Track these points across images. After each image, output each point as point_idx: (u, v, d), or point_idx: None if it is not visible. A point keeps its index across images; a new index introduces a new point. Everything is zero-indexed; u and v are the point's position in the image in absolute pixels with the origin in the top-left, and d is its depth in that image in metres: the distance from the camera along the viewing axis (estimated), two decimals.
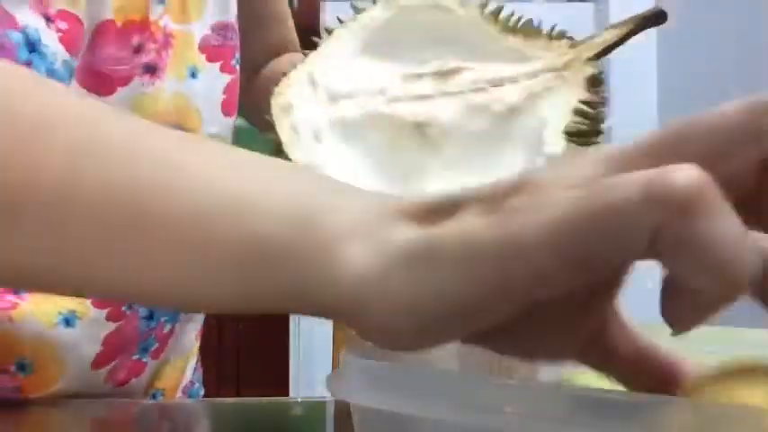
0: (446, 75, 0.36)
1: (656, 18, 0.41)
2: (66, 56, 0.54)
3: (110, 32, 0.57)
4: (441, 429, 0.23)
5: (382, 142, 0.34)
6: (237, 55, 0.67)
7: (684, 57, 2.20)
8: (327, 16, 2.61)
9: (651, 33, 2.36)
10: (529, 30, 0.40)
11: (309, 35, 2.50)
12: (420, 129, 0.34)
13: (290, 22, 0.84)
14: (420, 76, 0.37)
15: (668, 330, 0.34)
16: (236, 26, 0.67)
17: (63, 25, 0.54)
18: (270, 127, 0.42)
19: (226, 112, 0.65)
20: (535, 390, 0.22)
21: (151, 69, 0.59)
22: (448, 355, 0.33)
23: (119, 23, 0.57)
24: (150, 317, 0.61)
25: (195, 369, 0.76)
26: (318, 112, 0.36)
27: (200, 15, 0.63)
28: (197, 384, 0.76)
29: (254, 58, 0.77)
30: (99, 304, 0.57)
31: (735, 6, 1.92)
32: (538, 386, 0.23)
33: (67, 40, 0.54)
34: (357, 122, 0.35)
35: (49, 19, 0.53)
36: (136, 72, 0.58)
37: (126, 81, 0.58)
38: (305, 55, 0.49)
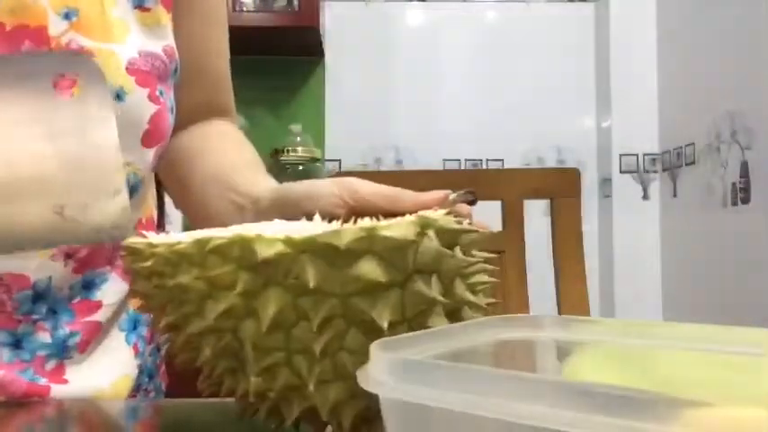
0: None
1: None
2: None
3: None
4: (468, 422, 0.23)
5: None
6: (161, 88, 0.63)
7: (684, 57, 2.20)
8: (327, 16, 2.61)
9: (651, 33, 2.33)
10: None
11: (309, 35, 2.45)
12: None
13: (228, 86, 0.78)
14: None
15: (667, 329, 0.34)
16: (166, 59, 0.64)
17: None
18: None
19: (146, 143, 0.61)
20: (566, 386, 0.22)
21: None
22: (482, 349, 0.33)
23: (8, 27, 0.56)
24: None
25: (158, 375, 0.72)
26: None
27: (124, 38, 0.60)
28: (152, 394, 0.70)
29: (180, 112, 0.70)
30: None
31: (734, 6, 1.92)
32: (569, 384, 0.23)
33: None
34: None
35: None
36: None
37: None
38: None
